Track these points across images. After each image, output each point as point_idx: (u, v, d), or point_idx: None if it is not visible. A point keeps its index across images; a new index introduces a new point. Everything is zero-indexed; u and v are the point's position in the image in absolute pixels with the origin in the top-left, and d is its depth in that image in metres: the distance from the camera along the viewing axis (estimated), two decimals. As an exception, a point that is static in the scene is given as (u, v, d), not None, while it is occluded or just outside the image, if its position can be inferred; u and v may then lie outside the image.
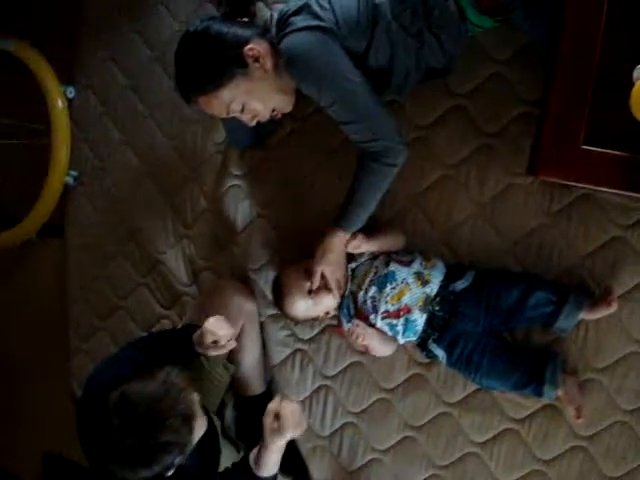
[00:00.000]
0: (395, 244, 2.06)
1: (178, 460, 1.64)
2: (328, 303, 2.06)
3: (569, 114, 1.62)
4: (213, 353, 1.90)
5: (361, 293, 2.00)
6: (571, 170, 1.65)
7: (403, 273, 1.96)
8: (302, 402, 2.25)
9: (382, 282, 1.97)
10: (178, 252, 2.43)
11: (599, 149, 1.61)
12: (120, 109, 2.51)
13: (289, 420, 1.90)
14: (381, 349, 2.06)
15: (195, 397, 1.70)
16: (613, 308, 1.88)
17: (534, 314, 1.91)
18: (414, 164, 2.04)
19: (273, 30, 1.79)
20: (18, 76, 2.62)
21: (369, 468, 2.25)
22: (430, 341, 1.98)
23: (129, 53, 2.48)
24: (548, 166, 1.66)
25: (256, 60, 1.77)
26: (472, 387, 2.09)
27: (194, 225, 2.39)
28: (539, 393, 1.93)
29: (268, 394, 2.27)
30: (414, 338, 2.00)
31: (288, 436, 1.93)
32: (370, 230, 2.02)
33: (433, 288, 1.95)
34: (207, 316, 1.96)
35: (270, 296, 2.17)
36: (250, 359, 2.19)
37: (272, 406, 1.94)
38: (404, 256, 2.02)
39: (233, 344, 1.92)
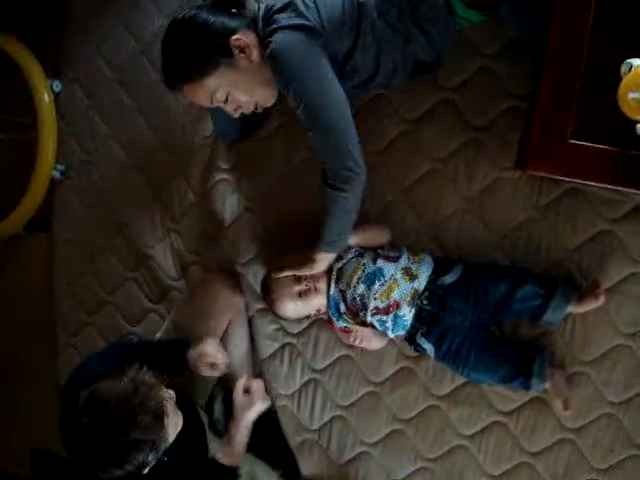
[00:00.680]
0: (380, 239, 2.06)
1: (152, 457, 1.63)
2: (318, 303, 2.06)
3: (557, 108, 1.62)
4: (207, 374, 1.95)
5: (350, 291, 2.00)
6: (559, 164, 1.65)
7: (391, 269, 1.96)
8: (291, 396, 2.26)
9: (370, 279, 1.97)
10: (166, 246, 2.43)
11: (587, 143, 1.61)
12: (107, 102, 2.51)
13: (258, 393, 2.01)
14: (376, 345, 2.08)
15: (166, 394, 1.69)
16: (600, 301, 1.89)
17: (522, 307, 1.92)
18: (402, 158, 2.06)
19: (260, 23, 1.78)
20: (4, 70, 2.60)
21: (358, 461, 2.26)
22: (418, 335, 1.98)
23: (115, 46, 2.47)
24: (536, 160, 1.67)
25: (242, 51, 1.76)
26: (460, 380, 2.10)
27: (182, 219, 2.38)
28: (527, 386, 1.94)
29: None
30: (403, 332, 2.01)
31: (257, 409, 2.01)
32: (355, 225, 2.01)
33: (421, 283, 1.95)
34: (195, 312, 1.96)
35: (258, 290, 2.17)
36: (238, 353, 2.19)
37: (241, 382, 2.03)
38: (391, 252, 2.02)
39: (228, 369, 1.99)
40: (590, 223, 1.96)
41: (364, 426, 2.22)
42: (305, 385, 2.25)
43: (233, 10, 1.84)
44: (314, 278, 2.02)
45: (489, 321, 1.99)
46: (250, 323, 2.24)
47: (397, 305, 1.95)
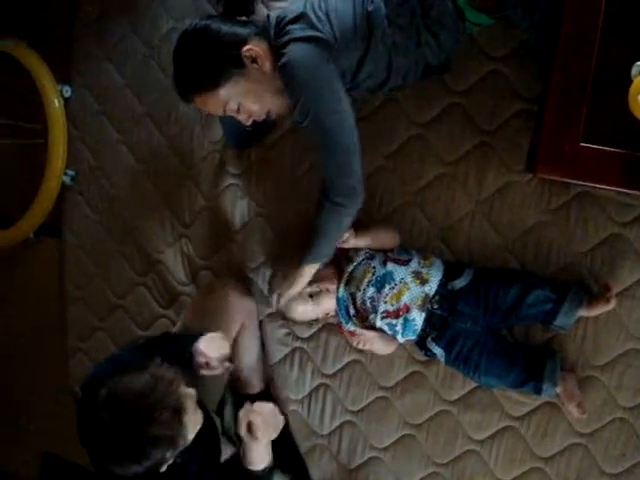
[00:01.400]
0: (389, 242, 2.05)
1: (170, 455, 1.62)
2: (327, 305, 2.05)
3: (567, 111, 1.61)
4: (204, 373, 1.89)
5: (359, 294, 1.99)
6: (570, 168, 1.64)
7: (401, 273, 1.96)
8: (301, 401, 2.26)
9: (380, 282, 1.96)
10: (176, 251, 2.42)
11: (598, 146, 1.60)
12: (116, 108, 2.51)
13: (259, 426, 1.91)
14: (383, 349, 2.07)
15: (187, 391, 1.67)
16: (612, 305, 1.88)
17: (533, 312, 1.91)
18: (412, 162, 2.06)
19: (271, 32, 1.78)
20: (15, 76, 2.61)
21: (368, 466, 2.25)
22: (429, 340, 1.98)
23: (125, 51, 2.47)
24: (546, 164, 1.66)
25: (254, 61, 1.75)
26: (471, 385, 2.09)
27: (192, 224, 2.38)
28: (538, 391, 1.93)
29: (267, 392, 2.27)
30: (413, 337, 2.00)
31: (264, 441, 1.94)
32: (362, 226, 2.02)
33: (432, 287, 1.95)
34: (206, 316, 1.95)
35: (268, 290, 2.17)
36: (249, 358, 2.19)
37: (242, 414, 1.94)
38: (401, 255, 2.01)
39: (226, 365, 1.91)
40: (601, 227, 1.95)
41: (374, 431, 2.22)
42: (315, 390, 2.25)
43: (243, 18, 1.84)
44: (325, 280, 2.02)
45: (500, 325, 1.99)
46: (260, 328, 2.24)
47: (407, 309, 1.94)
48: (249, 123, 1.88)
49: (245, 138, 2.17)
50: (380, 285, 1.96)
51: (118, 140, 2.51)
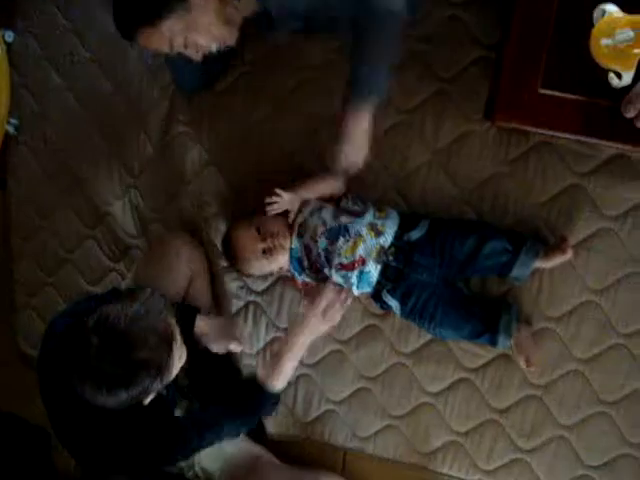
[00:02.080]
0: (330, 190, 2.00)
1: (156, 385, 1.59)
2: (282, 261, 2.01)
3: (527, 57, 1.58)
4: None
5: (313, 246, 1.95)
6: (528, 115, 1.62)
7: (356, 225, 1.92)
8: (256, 355, 2.23)
9: (334, 234, 1.92)
10: (125, 203, 2.35)
11: (557, 93, 1.57)
12: (61, 53, 2.39)
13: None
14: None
15: (174, 322, 1.65)
16: (568, 255, 1.87)
17: (489, 263, 1.89)
18: (368, 110, 2.00)
19: None
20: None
21: (324, 419, 2.25)
22: (384, 292, 1.95)
23: (69, -6, 2.35)
24: (505, 110, 1.63)
25: None
26: (426, 337, 2.09)
27: (141, 174, 2.30)
28: (493, 342, 1.93)
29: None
30: (369, 289, 1.97)
31: (326, 325, 1.96)
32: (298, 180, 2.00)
33: (387, 239, 1.91)
34: (156, 270, 1.93)
35: (221, 247, 2.11)
36: (201, 309, 2.14)
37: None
38: (355, 206, 1.97)
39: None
40: (559, 177, 1.94)
41: (330, 384, 2.21)
42: (270, 344, 2.22)
43: None
44: (278, 235, 1.97)
45: (456, 277, 1.97)
46: (213, 281, 2.19)
47: (363, 261, 1.91)
48: (199, 58, 1.77)
49: (196, 79, 2.09)
50: (334, 237, 1.92)
51: (63, 87, 2.39)
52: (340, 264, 1.92)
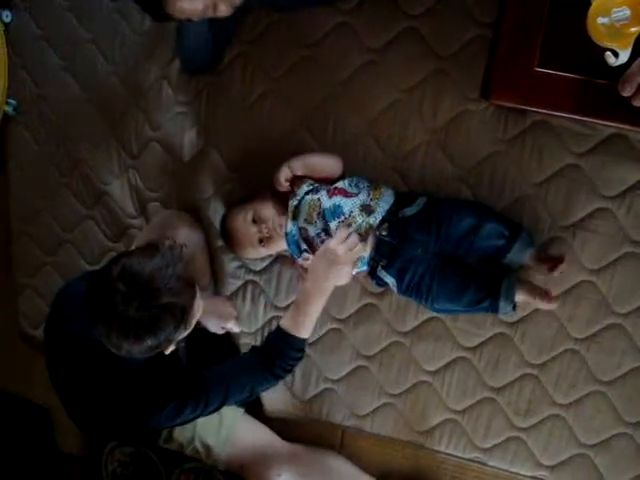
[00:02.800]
0: (329, 169, 1.97)
1: (179, 333, 1.63)
2: (279, 246, 2.02)
3: (523, 35, 1.57)
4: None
5: (310, 227, 1.95)
6: (524, 93, 1.61)
7: (349, 205, 1.91)
8: (254, 334, 2.24)
9: (329, 216, 1.91)
10: (124, 183, 2.35)
11: (554, 72, 1.57)
12: (59, 33, 2.38)
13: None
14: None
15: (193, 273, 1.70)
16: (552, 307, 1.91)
17: (485, 245, 1.87)
18: (365, 89, 2.00)
19: None
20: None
21: (322, 398, 2.26)
22: (379, 268, 1.95)
23: (67, -27, 2.34)
24: (501, 89, 1.63)
25: None
26: (424, 316, 2.09)
27: (140, 154, 2.30)
28: (494, 308, 1.88)
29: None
30: (363, 268, 1.97)
31: (344, 266, 1.89)
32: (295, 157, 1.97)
33: (377, 217, 1.90)
34: None
35: (219, 230, 2.12)
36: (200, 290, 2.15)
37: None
38: (349, 188, 1.95)
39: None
40: (556, 157, 1.92)
41: (328, 363, 2.22)
42: (268, 323, 2.23)
43: None
44: (274, 224, 1.97)
45: (451, 252, 1.94)
46: (211, 260, 2.20)
47: None
48: (229, 13, 1.69)
49: (204, 59, 2.09)
50: (329, 218, 1.91)
51: (61, 67, 2.39)
52: None
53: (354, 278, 2.04)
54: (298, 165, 1.95)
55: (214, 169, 2.17)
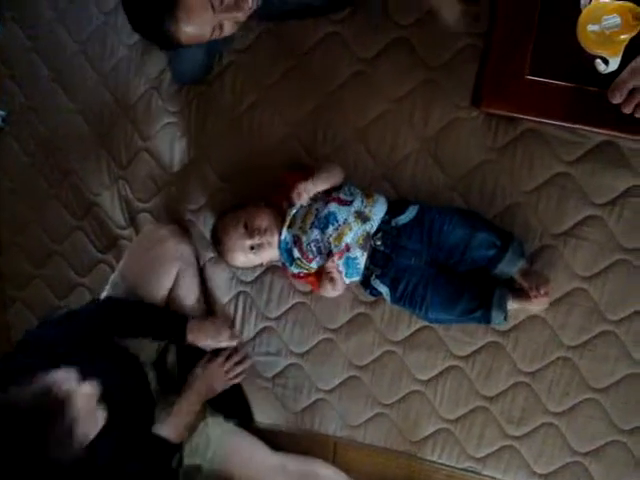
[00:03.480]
0: (337, 179, 1.98)
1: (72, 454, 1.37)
2: (271, 255, 2.01)
3: (514, 43, 1.58)
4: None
5: (304, 236, 1.94)
6: (515, 101, 1.62)
7: (344, 213, 1.91)
8: (246, 344, 2.23)
9: (324, 224, 1.91)
10: (114, 193, 2.34)
11: (545, 79, 1.57)
12: (48, 44, 2.38)
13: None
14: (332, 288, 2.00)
15: (83, 390, 1.41)
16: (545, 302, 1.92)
17: (476, 255, 1.88)
18: (356, 98, 2.00)
19: None
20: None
21: (314, 408, 2.25)
22: (373, 278, 1.95)
23: (56, -16, 2.34)
24: (492, 97, 1.63)
25: None
26: (416, 325, 2.09)
27: (129, 165, 2.30)
28: (487, 319, 1.89)
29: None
30: (357, 277, 1.97)
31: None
32: (310, 171, 1.97)
33: (373, 225, 1.91)
34: (142, 264, 1.97)
35: (209, 238, 2.11)
36: (188, 303, 2.13)
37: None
38: (344, 195, 1.95)
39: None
40: (547, 165, 1.93)
41: (320, 373, 2.21)
42: (259, 333, 2.22)
43: None
44: (266, 231, 1.96)
45: (443, 262, 1.95)
46: (202, 272, 2.18)
47: (347, 248, 1.90)
48: (244, 18, 1.66)
49: (196, 70, 2.08)
50: (324, 226, 1.91)
51: (50, 78, 2.39)
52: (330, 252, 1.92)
53: (347, 288, 2.04)
54: (319, 184, 1.94)
55: (204, 179, 2.17)
